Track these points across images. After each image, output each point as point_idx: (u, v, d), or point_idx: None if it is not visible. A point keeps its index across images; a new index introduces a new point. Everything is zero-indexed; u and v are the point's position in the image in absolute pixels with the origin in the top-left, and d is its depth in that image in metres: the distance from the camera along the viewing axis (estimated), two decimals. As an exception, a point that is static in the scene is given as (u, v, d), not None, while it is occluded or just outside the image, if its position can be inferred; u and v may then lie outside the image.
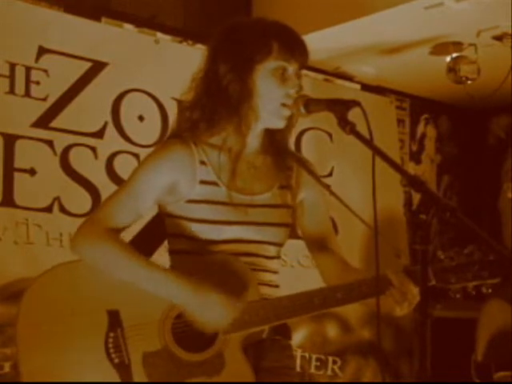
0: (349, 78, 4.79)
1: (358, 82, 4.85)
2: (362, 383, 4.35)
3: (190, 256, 2.02)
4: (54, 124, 3.42)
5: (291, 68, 2.02)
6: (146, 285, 1.93)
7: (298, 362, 4.06)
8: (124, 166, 3.51)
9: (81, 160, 3.49)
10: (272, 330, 2.05)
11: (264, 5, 4.26)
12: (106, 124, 3.58)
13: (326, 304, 1.98)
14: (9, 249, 3.24)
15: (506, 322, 3.53)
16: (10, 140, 3.31)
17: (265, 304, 1.98)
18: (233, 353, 1.95)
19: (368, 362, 4.36)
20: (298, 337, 4.01)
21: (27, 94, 3.37)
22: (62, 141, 3.44)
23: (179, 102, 3.59)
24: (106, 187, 3.44)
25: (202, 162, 2.04)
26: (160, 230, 2.13)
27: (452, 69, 4.37)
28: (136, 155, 3.61)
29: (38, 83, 3.40)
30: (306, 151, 4.19)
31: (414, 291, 1.91)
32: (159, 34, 3.92)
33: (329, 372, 4.22)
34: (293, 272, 3.93)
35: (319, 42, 3.93)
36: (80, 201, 3.44)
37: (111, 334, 1.92)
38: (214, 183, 2.03)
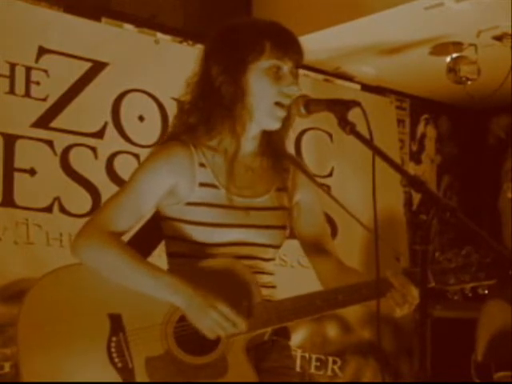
0: (349, 78, 4.78)
1: (358, 82, 4.85)
2: (362, 383, 4.35)
3: (189, 259, 2.02)
4: (54, 124, 3.43)
5: (285, 66, 2.01)
6: (147, 289, 1.93)
7: (298, 362, 4.06)
8: (124, 166, 3.51)
9: (81, 160, 3.49)
10: (273, 331, 2.05)
11: (264, 5, 4.26)
12: (106, 124, 3.58)
13: (328, 306, 1.98)
14: (9, 249, 3.24)
15: (506, 322, 3.53)
16: (10, 140, 3.31)
17: (267, 306, 1.98)
18: (236, 356, 1.94)
19: (368, 362, 4.36)
20: (298, 337, 4.01)
21: (27, 94, 3.37)
22: (62, 141, 3.44)
23: (179, 102, 3.61)
24: (106, 187, 3.44)
25: (202, 165, 2.04)
26: (155, 233, 2.13)
27: (452, 69, 4.37)
28: (136, 155, 3.61)
29: (37, 83, 3.40)
30: (306, 151, 4.19)
31: (414, 293, 1.91)
32: (159, 34, 3.92)
33: (329, 372, 4.22)
34: (293, 272, 3.93)
35: (319, 42, 3.93)
36: (80, 201, 3.44)
37: (113, 338, 1.92)
38: (214, 186, 2.03)
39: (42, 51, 3.41)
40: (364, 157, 2.14)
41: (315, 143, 4.30)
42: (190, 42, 4.01)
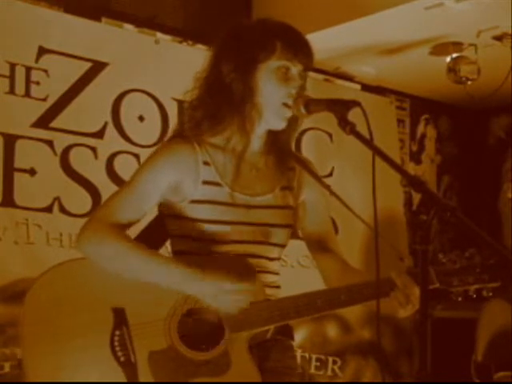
0: (349, 78, 4.79)
1: (358, 82, 4.86)
2: (362, 383, 4.35)
3: (194, 257, 2.02)
4: (54, 124, 3.42)
5: (294, 68, 2.02)
6: (159, 277, 1.93)
7: (298, 362, 4.06)
8: (124, 166, 3.51)
9: (81, 160, 3.49)
10: (275, 331, 2.06)
11: (264, 5, 4.26)
12: (106, 124, 3.58)
13: (330, 305, 1.99)
14: (9, 249, 3.24)
15: (507, 322, 3.53)
16: (10, 140, 3.31)
17: (270, 304, 1.98)
18: (239, 352, 1.95)
19: (368, 362, 4.36)
20: (298, 337, 3.98)
21: (27, 94, 3.37)
22: (62, 141, 3.44)
23: (180, 101, 3.61)
24: (106, 187, 3.44)
25: (206, 163, 2.04)
26: (161, 232, 2.13)
27: (452, 69, 4.37)
28: (136, 155, 3.61)
29: (37, 83, 3.39)
30: (306, 151, 4.19)
31: (418, 293, 1.91)
32: (159, 34, 3.92)
33: (329, 372, 4.22)
34: (293, 272, 3.93)
35: (319, 42, 3.88)
36: (80, 201, 3.44)
37: (117, 332, 1.92)
38: (217, 184, 2.03)
39: (42, 51, 3.41)
40: (364, 157, 2.14)
41: (315, 143, 4.31)
42: (190, 42, 4.01)
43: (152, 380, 1.91)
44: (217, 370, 1.93)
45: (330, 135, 4.37)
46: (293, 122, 2.08)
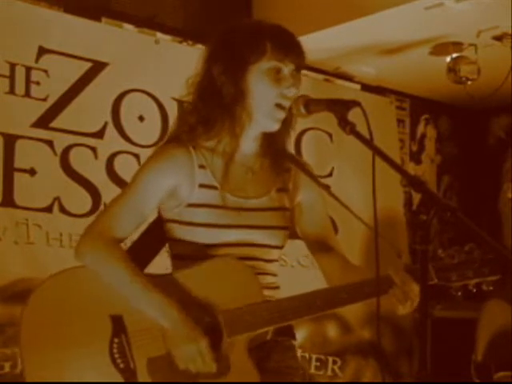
0: (349, 78, 4.79)
1: (358, 82, 4.86)
2: (362, 383, 4.35)
3: (192, 260, 2.01)
4: (54, 124, 3.42)
5: (286, 68, 2.02)
6: (139, 305, 1.93)
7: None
8: (124, 167, 3.51)
9: (81, 160, 3.49)
10: (276, 331, 2.05)
11: (264, 5, 4.26)
12: (106, 124, 3.58)
13: (330, 304, 1.99)
14: (9, 249, 3.24)
15: (506, 322, 3.53)
16: (10, 140, 3.31)
17: (269, 305, 1.98)
18: (239, 355, 1.94)
19: (368, 362, 4.36)
20: (298, 337, 3.99)
21: (27, 94, 3.37)
22: (62, 141, 3.44)
23: (179, 102, 3.61)
24: (106, 187, 3.44)
25: (201, 166, 2.04)
26: (159, 236, 2.13)
27: (452, 69, 4.38)
28: (136, 155, 3.61)
29: (38, 83, 3.39)
30: (306, 151, 4.19)
31: (417, 290, 1.91)
32: (159, 34, 3.93)
33: (329, 372, 4.22)
34: (293, 272, 3.93)
35: (319, 42, 3.93)
36: (80, 201, 3.44)
37: (116, 340, 1.92)
38: (213, 187, 2.03)
39: (42, 51, 3.41)
40: (364, 157, 2.13)
41: (315, 143, 4.30)
42: (190, 42, 4.01)
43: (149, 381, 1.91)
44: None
45: (330, 135, 4.37)
46: (287, 123, 2.08)
